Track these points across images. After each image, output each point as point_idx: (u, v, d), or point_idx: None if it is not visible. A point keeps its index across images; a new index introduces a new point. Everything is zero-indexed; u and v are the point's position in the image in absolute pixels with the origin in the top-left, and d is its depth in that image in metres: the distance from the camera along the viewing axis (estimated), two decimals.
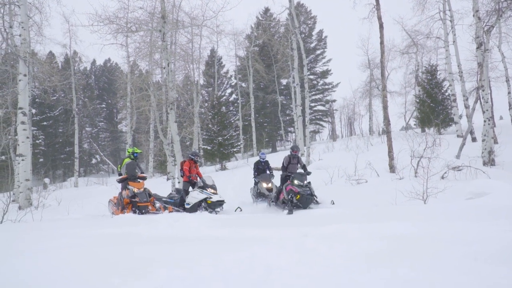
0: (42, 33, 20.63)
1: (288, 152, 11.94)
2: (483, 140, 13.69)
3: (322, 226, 4.97)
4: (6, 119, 21.86)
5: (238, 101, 36.92)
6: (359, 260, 3.18)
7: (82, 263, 3.36)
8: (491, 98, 22.94)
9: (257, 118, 39.07)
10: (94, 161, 51.31)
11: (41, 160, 41.16)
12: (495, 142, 16.40)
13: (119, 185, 10.16)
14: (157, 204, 10.28)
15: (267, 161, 13.18)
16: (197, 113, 27.20)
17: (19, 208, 13.38)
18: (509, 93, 23.55)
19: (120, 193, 9.79)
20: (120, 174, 10.14)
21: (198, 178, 10.76)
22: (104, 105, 55.55)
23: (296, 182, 9.55)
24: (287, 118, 43.52)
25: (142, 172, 10.06)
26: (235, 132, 32.30)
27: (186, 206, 10.19)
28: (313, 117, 45.19)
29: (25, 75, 14.33)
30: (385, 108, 15.13)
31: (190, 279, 2.90)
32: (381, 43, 14.79)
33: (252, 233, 4.96)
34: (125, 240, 4.73)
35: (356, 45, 63.24)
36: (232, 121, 32.72)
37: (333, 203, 9.62)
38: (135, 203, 9.32)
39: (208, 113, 27.70)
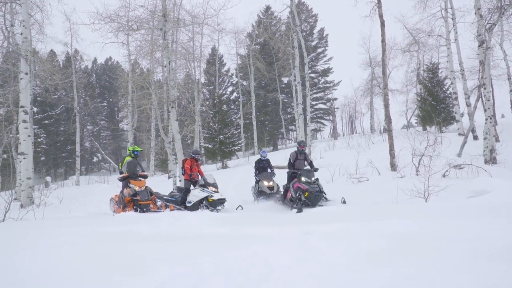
0: (43, 31, 20.64)
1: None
2: (484, 138, 13.66)
3: (324, 224, 4.98)
4: (8, 118, 21.90)
5: (239, 100, 36.91)
6: (361, 258, 3.18)
7: (83, 261, 3.37)
8: (493, 96, 22.90)
9: (258, 117, 39.07)
10: (95, 159, 51.38)
11: (42, 158, 41.23)
12: (497, 140, 16.36)
13: (121, 184, 10.16)
14: (159, 203, 10.29)
15: (268, 159, 13.19)
16: (198, 111, 27.21)
17: (21, 206, 13.41)
18: (510, 91, 23.52)
19: (122, 192, 9.80)
20: (121, 173, 10.15)
21: (200, 177, 10.77)
22: (105, 104, 55.61)
23: (303, 179, 9.26)
24: (288, 116, 43.51)
25: (143, 171, 10.07)
26: (236, 130, 32.31)
27: (188, 205, 10.20)
28: (314, 116, 45.17)
29: (26, 74, 14.34)
30: (386, 106, 15.11)
31: (191, 277, 2.91)
32: (383, 41, 14.77)
33: (253, 231, 4.96)
34: (127, 238, 4.74)
35: (357, 43, 62.92)
36: (233, 120, 32.69)
37: (344, 202, 9.07)
38: (136, 201, 9.32)
39: (209, 111, 27.70)
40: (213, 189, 10.26)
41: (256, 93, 37.79)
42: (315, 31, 45.25)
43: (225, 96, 43.63)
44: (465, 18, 42.53)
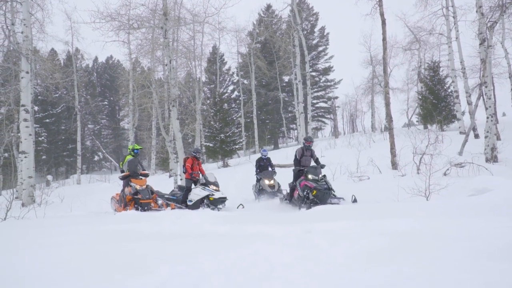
0: (44, 30, 20.63)
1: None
2: (485, 137, 13.64)
3: (324, 222, 4.98)
4: (9, 117, 21.93)
5: (240, 98, 36.92)
6: (362, 257, 3.18)
7: (84, 260, 3.38)
8: (494, 95, 22.87)
9: (259, 115, 39.06)
10: (96, 158, 51.42)
11: (43, 157, 41.29)
12: (498, 138, 16.36)
13: (122, 182, 10.18)
14: (160, 201, 10.31)
15: (269, 158, 13.20)
16: (199, 110, 27.22)
17: (22, 205, 13.44)
18: None
19: (123, 190, 9.82)
20: (122, 171, 10.16)
21: (201, 175, 10.78)
22: (106, 102, 55.62)
23: (310, 176, 8.99)
24: (289, 115, 43.50)
25: (143, 169, 10.08)
26: (237, 129, 32.31)
27: (189, 203, 10.22)
28: (315, 114, 45.14)
29: (27, 73, 14.35)
30: (387, 104, 15.10)
31: (192, 275, 2.91)
32: (384, 39, 14.75)
33: (254, 229, 4.97)
34: (128, 237, 4.74)
35: (358, 42, 63.07)
36: (234, 118, 32.75)
37: (355, 200, 8.66)
38: (137, 200, 9.34)
39: (210, 110, 27.70)
40: (214, 187, 10.27)
41: (257, 92, 37.78)
42: (316, 29, 45.22)
43: (226, 94, 43.64)
44: (466, 16, 42.22)
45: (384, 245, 3.49)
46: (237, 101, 41.44)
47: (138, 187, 9.44)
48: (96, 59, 55.39)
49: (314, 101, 44.51)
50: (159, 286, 2.71)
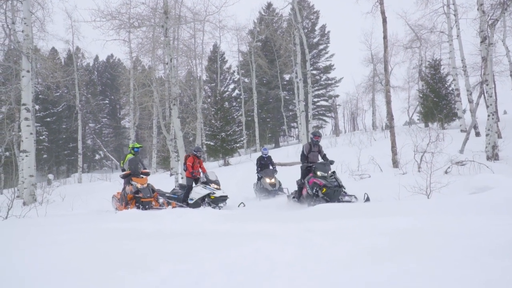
0: (45, 29, 20.68)
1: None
2: (486, 135, 13.63)
3: (325, 221, 4.97)
4: (10, 116, 21.96)
5: (241, 97, 36.92)
6: (363, 255, 3.18)
7: (85, 258, 3.38)
8: (495, 93, 22.83)
9: (260, 114, 39.06)
10: (97, 157, 51.48)
11: (45, 156, 41.35)
12: (499, 136, 16.33)
13: (123, 181, 10.20)
14: (161, 200, 10.32)
15: (269, 156, 13.21)
16: (200, 108, 27.22)
17: (24, 203, 13.46)
18: None
19: (124, 189, 9.83)
20: (123, 170, 10.18)
21: (202, 174, 10.80)
22: (107, 101, 55.64)
23: (319, 173, 8.61)
24: (290, 113, 43.50)
25: (144, 168, 10.10)
26: (238, 127, 32.31)
27: (190, 202, 10.24)
28: (316, 112, 45.13)
29: (28, 71, 14.36)
30: (388, 103, 15.08)
31: (193, 274, 2.91)
32: (385, 37, 14.72)
33: (255, 228, 4.96)
34: (129, 236, 4.74)
35: (359, 40, 62.83)
36: (235, 117, 32.69)
37: (368, 199, 8.27)
38: (138, 198, 9.35)
39: (211, 108, 27.70)
40: (215, 186, 10.30)
41: (258, 90, 37.76)
42: (316, 28, 45.18)
43: (227, 93, 43.62)
44: (467, 14, 42.44)
45: (385, 243, 3.49)
46: (238, 100, 41.43)
47: (139, 185, 9.46)
48: (96, 57, 55.41)
49: (315, 100, 44.47)
50: (159, 284, 2.71)
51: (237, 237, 4.39)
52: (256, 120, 33.42)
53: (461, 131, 20.50)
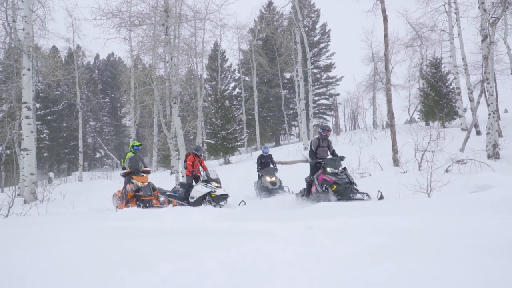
0: (46, 27, 20.65)
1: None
2: (487, 134, 13.62)
3: (326, 219, 4.97)
4: (11, 114, 21.98)
5: (242, 95, 36.87)
6: (363, 254, 3.18)
7: (85, 257, 3.38)
8: (496, 91, 22.77)
9: (260, 112, 39.03)
10: (98, 155, 51.55)
11: (45, 154, 41.39)
12: (500, 135, 16.32)
13: (123, 179, 10.21)
14: (161, 198, 10.34)
15: (270, 155, 13.22)
16: (200, 107, 27.21)
17: (24, 202, 13.48)
18: None
19: (124, 187, 9.84)
20: (124, 168, 10.19)
21: (202, 172, 10.81)
22: (107, 100, 55.67)
23: (329, 170, 8.28)
24: (291, 112, 43.46)
25: (145, 166, 10.11)
26: (239, 126, 32.31)
27: (191, 200, 10.25)
28: (317, 111, 45.09)
29: (28, 70, 14.36)
30: (389, 101, 15.07)
31: (193, 273, 2.91)
32: (385, 36, 14.69)
33: (256, 226, 4.97)
34: (129, 234, 4.75)
35: (360, 38, 62.77)
36: (236, 115, 32.66)
37: (382, 197, 7.99)
38: (139, 197, 9.36)
39: (212, 107, 27.71)
40: (216, 184, 10.30)
41: (258, 89, 37.72)
42: (317, 26, 45.12)
43: (228, 91, 43.58)
44: (468, 12, 42.36)
45: (385, 242, 3.49)
46: (239, 98, 41.40)
47: (139, 184, 9.47)
48: (97, 56, 55.41)
49: (316, 98, 44.43)
50: (160, 284, 2.71)
51: (238, 235, 4.39)
52: (256, 118, 33.40)
53: (462, 129, 20.48)
